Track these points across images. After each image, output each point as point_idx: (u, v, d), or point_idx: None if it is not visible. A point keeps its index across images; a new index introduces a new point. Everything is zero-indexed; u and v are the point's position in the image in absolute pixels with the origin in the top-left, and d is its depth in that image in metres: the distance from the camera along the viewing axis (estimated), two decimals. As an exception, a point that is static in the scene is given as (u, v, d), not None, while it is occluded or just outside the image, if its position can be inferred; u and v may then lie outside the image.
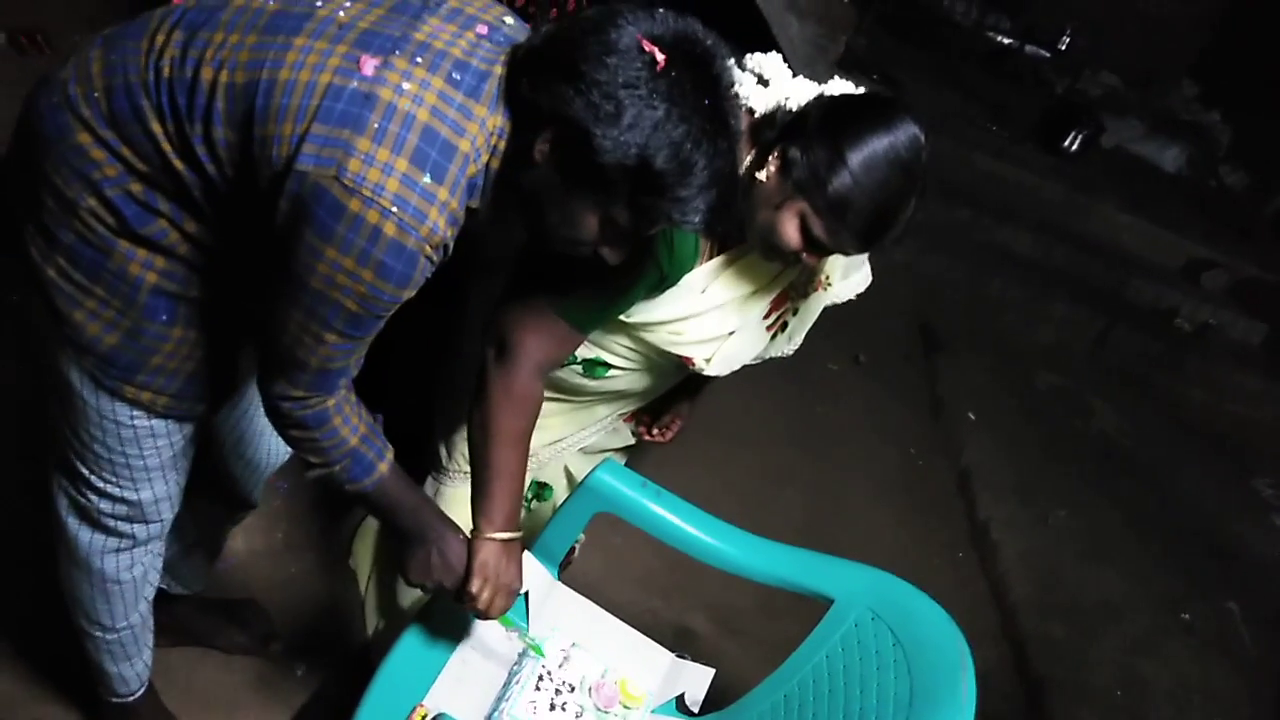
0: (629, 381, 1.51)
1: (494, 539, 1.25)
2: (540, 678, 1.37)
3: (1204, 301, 4.99)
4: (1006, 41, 5.87)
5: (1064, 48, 5.93)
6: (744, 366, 1.48)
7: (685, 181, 0.95)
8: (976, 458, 3.34)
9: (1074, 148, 5.43)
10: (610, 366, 1.46)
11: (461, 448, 1.67)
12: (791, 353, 1.55)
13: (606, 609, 1.52)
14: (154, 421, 1.17)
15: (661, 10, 0.97)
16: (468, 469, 1.67)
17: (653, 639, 1.52)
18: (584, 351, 1.44)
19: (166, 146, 0.98)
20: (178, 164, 0.98)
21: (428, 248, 0.94)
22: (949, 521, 3.10)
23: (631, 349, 1.43)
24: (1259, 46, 6.01)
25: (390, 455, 1.15)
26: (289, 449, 1.53)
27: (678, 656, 1.50)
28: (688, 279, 1.32)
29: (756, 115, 1.26)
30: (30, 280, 1.08)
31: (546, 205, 1.00)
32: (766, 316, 1.43)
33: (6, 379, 1.87)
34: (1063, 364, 4.22)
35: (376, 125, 0.90)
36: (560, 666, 1.40)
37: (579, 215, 1.00)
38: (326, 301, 0.95)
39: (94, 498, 1.22)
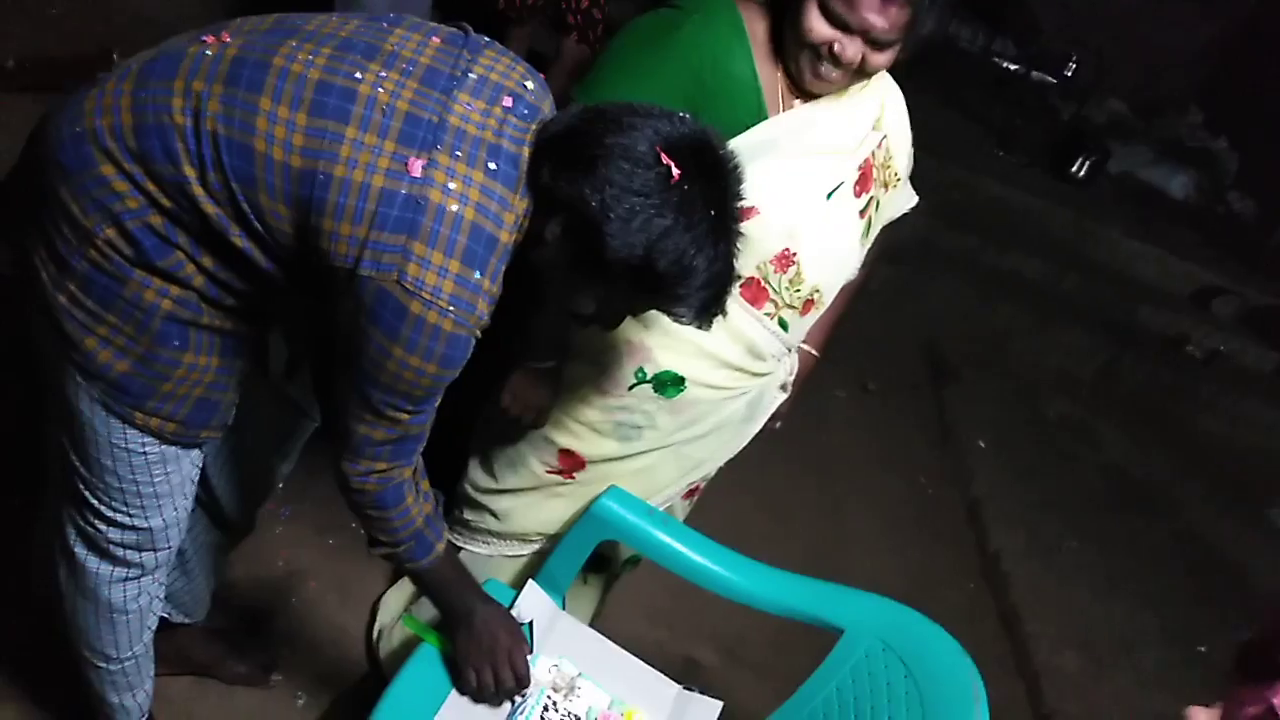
0: (701, 413, 1.48)
1: (526, 366, 1.45)
2: (546, 708, 1.35)
3: (1215, 329, 4.96)
4: (1013, 68, 5.88)
5: (1070, 74, 5.93)
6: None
7: (684, 283, 1.02)
8: (986, 487, 3.31)
9: (1081, 174, 5.42)
10: (684, 382, 1.43)
11: (477, 510, 1.66)
12: (858, 268, 1.51)
13: (612, 639, 1.50)
14: (164, 448, 1.17)
15: (681, 114, 1.04)
16: (489, 527, 1.66)
17: (659, 670, 1.49)
18: (651, 367, 1.42)
19: (198, 190, 1.00)
20: (208, 208, 1.01)
21: (477, 331, 1.03)
22: (959, 551, 3.07)
23: (708, 342, 1.39)
24: (1264, 75, 6.02)
25: (447, 536, 1.25)
26: (285, 473, 1.53)
27: (685, 689, 1.48)
28: (765, 135, 1.32)
29: None
30: (40, 307, 1.07)
31: (549, 280, 1.08)
32: (858, 195, 1.41)
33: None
34: (1072, 391, 4.19)
35: (430, 229, 0.97)
36: (566, 697, 1.38)
37: (579, 295, 1.08)
38: (395, 392, 1.04)
39: (103, 527, 1.21)
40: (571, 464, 1.53)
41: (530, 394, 1.47)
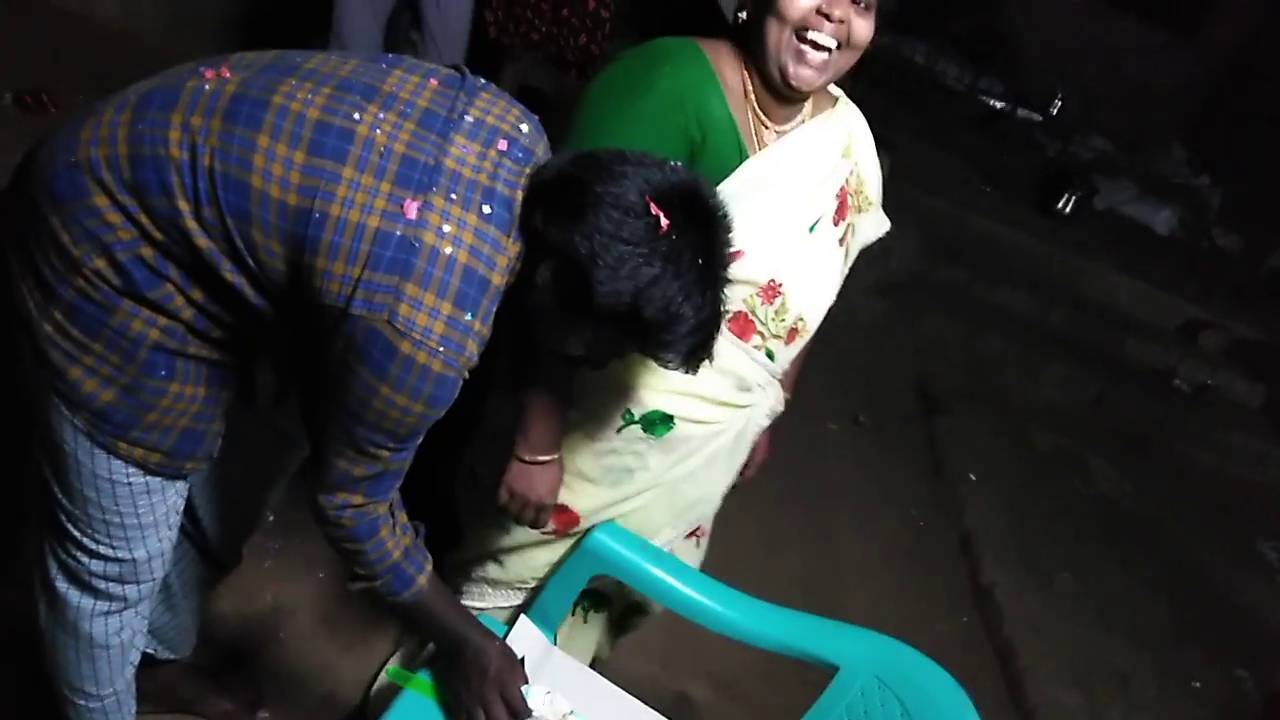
0: (691, 449, 1.46)
1: (524, 461, 1.37)
2: (536, 746, 1.33)
3: (1202, 362, 4.99)
4: (999, 105, 5.98)
5: (1055, 112, 6.04)
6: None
7: (671, 330, 1.03)
8: (978, 519, 3.31)
9: (1067, 209, 5.49)
10: (672, 420, 1.40)
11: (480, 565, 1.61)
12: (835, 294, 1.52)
13: (603, 675, 1.49)
14: (148, 479, 1.16)
15: (673, 163, 1.05)
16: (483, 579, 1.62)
17: (651, 707, 1.48)
18: (639, 408, 1.39)
19: (192, 224, 1.00)
20: (201, 242, 1.01)
21: (465, 372, 1.03)
22: (952, 584, 3.06)
23: (696, 381, 1.35)
24: (1245, 113, 6.13)
25: (430, 568, 1.21)
26: (270, 509, 1.51)
27: (678, 726, 1.46)
28: (752, 173, 1.32)
29: None
30: (24, 335, 1.06)
31: (539, 322, 1.09)
32: (836, 224, 1.42)
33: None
34: (1062, 424, 4.20)
35: (423, 270, 0.98)
36: (556, 736, 1.36)
37: (567, 336, 1.09)
38: (380, 430, 1.04)
39: (85, 559, 1.20)
40: (565, 521, 1.47)
41: (529, 490, 1.39)
